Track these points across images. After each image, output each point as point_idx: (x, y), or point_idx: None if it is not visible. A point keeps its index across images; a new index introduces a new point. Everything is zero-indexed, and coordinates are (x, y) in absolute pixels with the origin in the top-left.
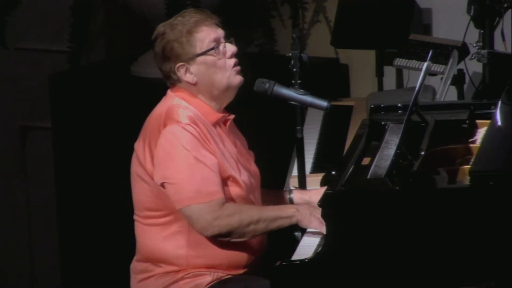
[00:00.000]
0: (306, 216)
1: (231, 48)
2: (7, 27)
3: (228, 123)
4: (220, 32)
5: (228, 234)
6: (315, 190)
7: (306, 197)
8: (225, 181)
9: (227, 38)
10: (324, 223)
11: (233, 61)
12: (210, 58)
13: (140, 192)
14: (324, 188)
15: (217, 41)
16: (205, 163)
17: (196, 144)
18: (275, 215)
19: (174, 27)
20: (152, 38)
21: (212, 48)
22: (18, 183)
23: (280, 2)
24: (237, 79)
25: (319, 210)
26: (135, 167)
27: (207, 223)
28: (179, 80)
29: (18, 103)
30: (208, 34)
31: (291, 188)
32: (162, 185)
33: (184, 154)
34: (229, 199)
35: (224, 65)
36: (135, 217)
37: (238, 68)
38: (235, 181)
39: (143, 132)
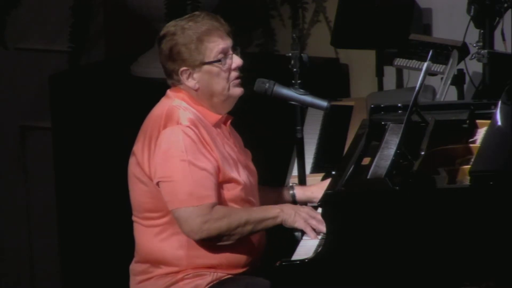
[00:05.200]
0: (291, 216)
1: (237, 60)
2: (7, 27)
3: (228, 123)
4: (228, 43)
5: (217, 237)
6: (317, 185)
7: (308, 193)
8: (226, 183)
9: (235, 48)
10: (308, 223)
11: (236, 73)
12: (215, 69)
13: (139, 194)
14: (324, 183)
15: (225, 53)
16: (201, 167)
17: (194, 148)
18: (261, 216)
19: (185, 31)
20: (160, 35)
21: (219, 60)
22: (18, 183)
23: (280, 2)
24: (238, 91)
25: (304, 209)
26: (133, 169)
27: (196, 226)
28: (180, 82)
29: (18, 103)
30: (217, 44)
31: (292, 184)
32: (158, 184)
33: (181, 157)
34: (228, 200)
35: (227, 77)
36: (133, 218)
37: (239, 80)
38: (236, 181)
39: (142, 133)
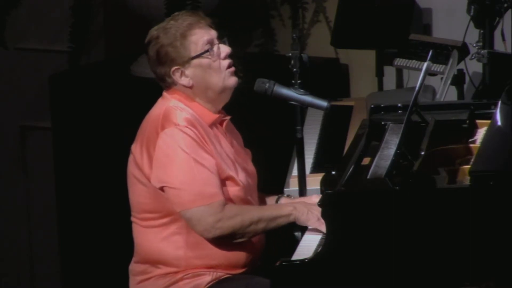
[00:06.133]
0: (304, 214)
1: (225, 49)
2: (7, 27)
3: (224, 124)
4: (213, 34)
5: (230, 235)
6: (302, 199)
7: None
8: (223, 181)
9: (221, 38)
10: (322, 221)
11: (227, 62)
12: (205, 60)
13: (138, 194)
14: (309, 198)
15: (210, 43)
16: (205, 165)
17: (195, 147)
18: (274, 214)
19: (168, 31)
20: (145, 42)
21: (207, 51)
22: (18, 183)
23: (280, 2)
24: (232, 81)
25: (317, 208)
26: (132, 169)
27: (209, 226)
28: (174, 83)
29: (18, 103)
30: (201, 36)
31: (280, 196)
32: (162, 188)
33: (184, 157)
34: (227, 199)
35: (218, 67)
36: (132, 218)
37: (232, 69)
38: (234, 181)
39: (140, 134)
